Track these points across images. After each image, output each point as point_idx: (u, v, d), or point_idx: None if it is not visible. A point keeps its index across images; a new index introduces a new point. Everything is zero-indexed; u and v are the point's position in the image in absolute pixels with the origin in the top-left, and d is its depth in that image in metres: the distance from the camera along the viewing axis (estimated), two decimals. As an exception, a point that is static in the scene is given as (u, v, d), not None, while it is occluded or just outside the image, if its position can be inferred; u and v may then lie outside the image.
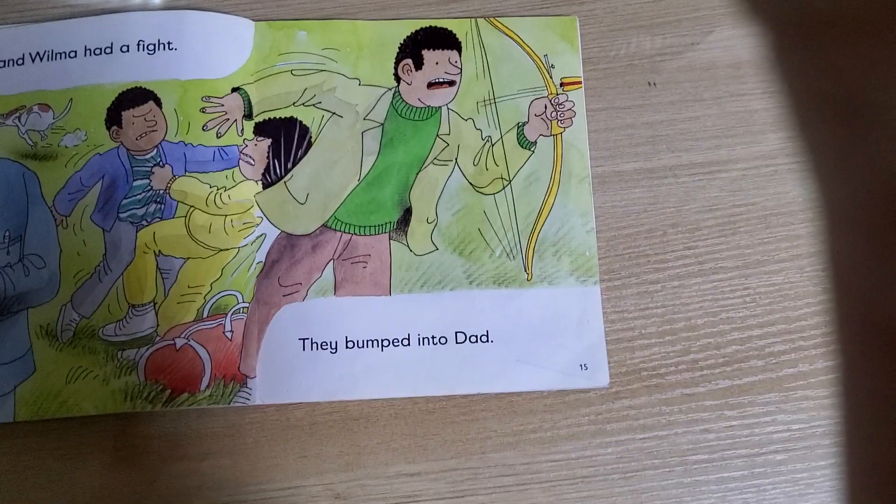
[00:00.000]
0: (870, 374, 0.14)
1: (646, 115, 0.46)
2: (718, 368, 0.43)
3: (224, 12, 0.46)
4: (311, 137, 0.45)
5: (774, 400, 0.43)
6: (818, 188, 0.14)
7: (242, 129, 0.44)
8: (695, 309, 0.44)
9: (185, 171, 0.43)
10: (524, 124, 0.46)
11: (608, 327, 0.44)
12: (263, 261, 0.43)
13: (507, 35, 0.46)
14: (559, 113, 0.46)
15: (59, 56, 0.44)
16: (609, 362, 0.43)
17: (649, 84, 0.47)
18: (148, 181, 0.43)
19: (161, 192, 0.43)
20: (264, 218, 0.44)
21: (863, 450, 0.15)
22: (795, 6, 0.11)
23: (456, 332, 0.43)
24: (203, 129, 0.44)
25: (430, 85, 0.46)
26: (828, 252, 0.14)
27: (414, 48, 0.46)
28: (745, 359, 0.44)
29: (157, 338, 0.41)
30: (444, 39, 0.46)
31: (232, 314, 0.42)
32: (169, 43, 0.44)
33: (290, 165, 0.44)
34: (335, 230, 0.44)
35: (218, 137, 0.44)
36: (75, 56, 0.44)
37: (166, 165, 0.43)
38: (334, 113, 0.45)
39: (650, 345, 0.44)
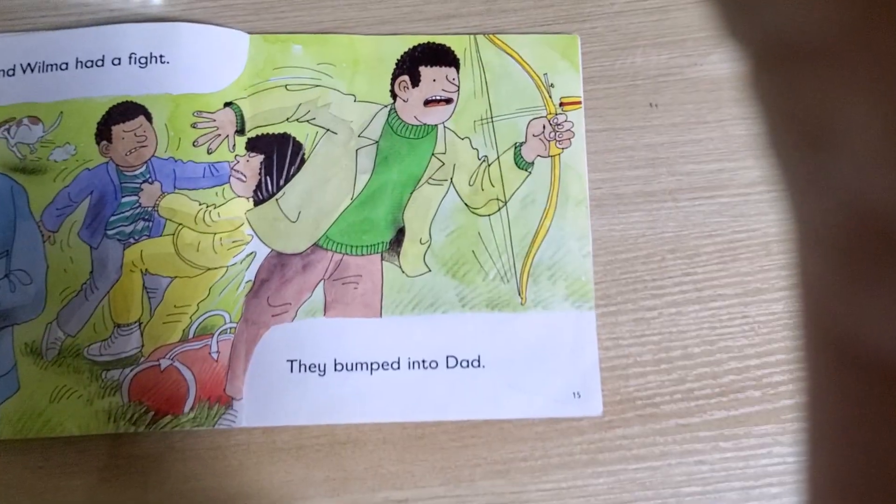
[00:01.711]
0: (836, 395, 0.15)
1: (646, 136, 0.45)
2: (714, 398, 0.43)
3: (218, 24, 0.45)
4: (304, 154, 0.44)
5: (771, 431, 0.42)
6: (789, 211, 0.14)
7: (234, 145, 0.44)
8: (692, 337, 0.43)
9: (175, 187, 0.43)
10: (521, 144, 0.45)
11: (602, 354, 0.43)
12: (253, 280, 0.43)
13: (506, 53, 0.45)
14: (557, 133, 0.45)
15: (50, 68, 0.43)
16: (603, 390, 0.42)
17: (651, 105, 0.46)
18: (136, 198, 0.42)
19: (149, 209, 0.42)
20: (254, 236, 0.43)
21: (829, 473, 0.15)
22: (772, 33, 0.12)
23: (447, 357, 0.42)
24: (194, 145, 0.43)
25: (427, 102, 0.45)
26: (798, 274, 0.15)
27: (411, 65, 0.45)
28: (741, 389, 0.43)
29: (142, 358, 0.41)
30: (442, 56, 0.45)
31: (219, 334, 0.41)
32: (161, 56, 0.44)
33: (282, 182, 0.44)
34: (326, 249, 0.43)
35: (209, 153, 0.43)
36: (67, 68, 0.43)
37: (155, 182, 0.42)
38: (328, 129, 0.44)
39: (645, 373, 0.43)
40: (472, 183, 0.44)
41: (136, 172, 0.43)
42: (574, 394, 0.42)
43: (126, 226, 0.42)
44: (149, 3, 0.45)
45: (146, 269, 0.42)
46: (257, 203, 0.43)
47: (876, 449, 0.14)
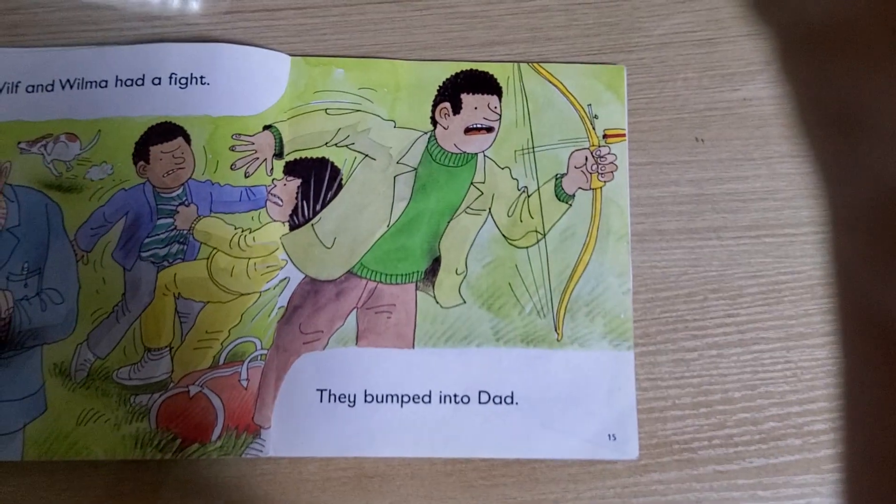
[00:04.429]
0: (872, 375, 0.15)
1: (691, 171, 0.44)
2: (754, 445, 0.41)
3: (260, 45, 0.44)
4: (341, 179, 0.43)
5: (811, 482, 0.41)
6: (822, 194, 0.14)
7: (272, 169, 0.43)
8: (733, 381, 0.42)
9: (211, 211, 0.42)
10: (563, 176, 0.44)
11: (640, 395, 0.42)
12: (285, 306, 0.42)
13: (550, 82, 0.45)
14: (600, 166, 0.44)
15: (89, 85, 0.43)
16: (639, 433, 0.41)
17: (697, 139, 0.45)
18: (172, 220, 0.42)
19: (184, 232, 0.42)
20: (289, 261, 0.42)
21: (863, 452, 0.15)
22: (801, 15, 0.12)
23: (479, 392, 0.41)
24: (231, 168, 0.42)
25: (468, 130, 0.44)
26: (831, 256, 0.15)
27: (453, 91, 0.44)
28: (782, 437, 0.41)
29: (172, 384, 0.40)
30: (485, 84, 0.44)
31: (249, 362, 0.41)
32: (202, 77, 0.43)
33: (318, 207, 0.43)
34: (361, 277, 0.42)
35: (246, 177, 0.42)
36: (106, 86, 0.43)
37: (192, 205, 0.42)
38: (367, 155, 0.44)
39: (683, 416, 0.41)
40: (510, 214, 0.43)
41: (173, 194, 0.42)
42: (609, 436, 0.41)
43: (160, 248, 0.41)
44: (187, 9, 0.45)
45: (179, 293, 0.41)
46: (293, 228, 0.43)
47: None
